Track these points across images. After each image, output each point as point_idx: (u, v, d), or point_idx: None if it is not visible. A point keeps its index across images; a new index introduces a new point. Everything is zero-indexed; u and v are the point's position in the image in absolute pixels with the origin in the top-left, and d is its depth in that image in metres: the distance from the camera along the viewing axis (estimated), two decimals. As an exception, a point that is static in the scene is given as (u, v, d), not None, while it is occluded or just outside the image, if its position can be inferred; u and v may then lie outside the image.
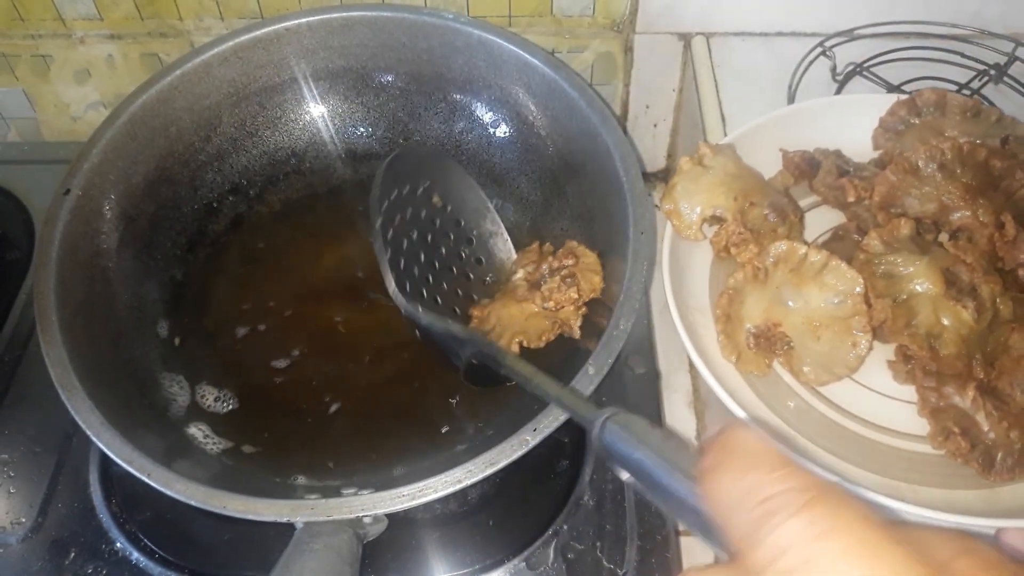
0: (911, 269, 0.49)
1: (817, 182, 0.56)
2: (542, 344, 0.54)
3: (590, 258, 0.56)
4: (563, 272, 0.55)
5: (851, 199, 0.54)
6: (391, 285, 0.52)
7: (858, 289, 0.48)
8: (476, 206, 0.61)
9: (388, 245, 0.54)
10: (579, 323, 0.55)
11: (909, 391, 0.49)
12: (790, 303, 0.50)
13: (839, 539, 0.18)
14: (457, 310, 0.57)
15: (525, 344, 0.54)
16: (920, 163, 0.53)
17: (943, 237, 0.53)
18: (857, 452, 0.47)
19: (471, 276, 0.59)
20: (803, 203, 0.58)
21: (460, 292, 0.58)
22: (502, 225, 0.61)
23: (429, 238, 0.58)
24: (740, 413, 0.45)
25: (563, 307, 0.54)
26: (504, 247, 0.61)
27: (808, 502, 0.19)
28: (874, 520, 0.19)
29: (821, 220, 0.58)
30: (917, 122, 0.58)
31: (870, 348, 0.48)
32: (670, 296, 0.50)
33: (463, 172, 0.62)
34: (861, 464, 0.46)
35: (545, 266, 0.56)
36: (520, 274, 0.57)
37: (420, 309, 0.52)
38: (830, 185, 0.56)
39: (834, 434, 0.48)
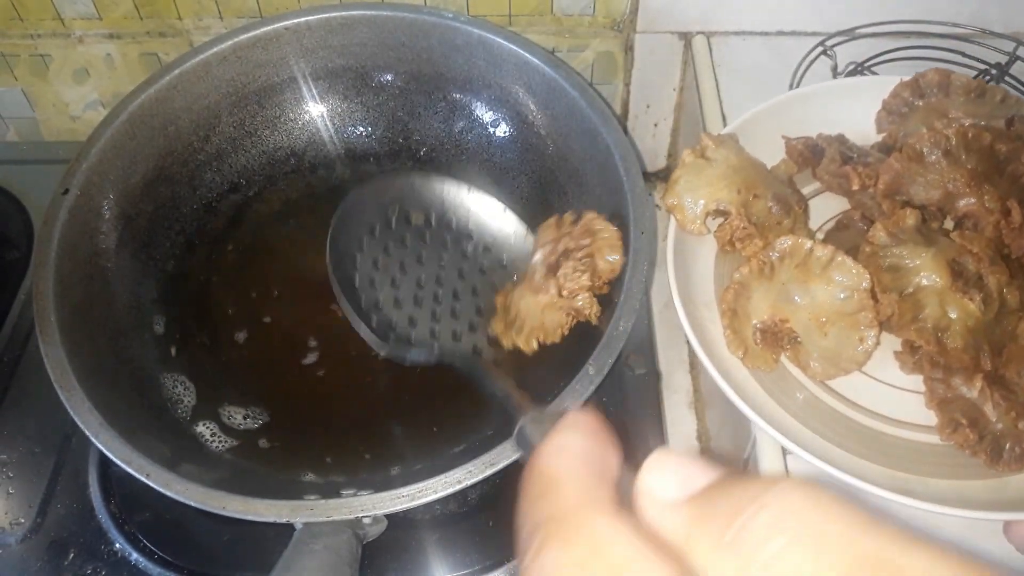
0: (917, 262, 0.49)
1: (821, 170, 0.56)
2: (558, 339, 0.53)
3: (609, 233, 0.53)
4: (579, 254, 0.52)
5: (855, 187, 0.54)
6: (373, 344, 0.52)
7: (864, 284, 0.48)
8: (458, 199, 0.59)
9: (371, 305, 0.53)
10: (596, 310, 0.52)
11: (916, 381, 0.49)
12: (796, 298, 0.49)
13: None
14: (482, 306, 0.56)
15: (542, 340, 0.53)
16: (924, 150, 0.52)
17: (948, 224, 0.53)
18: (865, 445, 0.46)
19: (484, 268, 0.58)
20: (807, 190, 0.58)
21: (478, 289, 0.57)
22: (496, 200, 0.59)
23: (423, 256, 0.57)
24: (746, 410, 0.45)
25: (578, 294, 0.52)
26: (508, 220, 0.59)
27: (542, 542, 0.19)
28: (608, 552, 0.18)
29: (825, 207, 0.58)
30: (921, 104, 0.57)
31: (877, 343, 0.48)
32: (675, 291, 0.50)
33: (424, 175, 0.60)
34: (868, 456, 0.46)
35: (562, 245, 0.54)
36: (539, 255, 0.55)
37: (408, 349, 0.52)
38: (834, 173, 0.55)
39: (842, 427, 0.48)
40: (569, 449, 0.21)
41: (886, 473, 0.45)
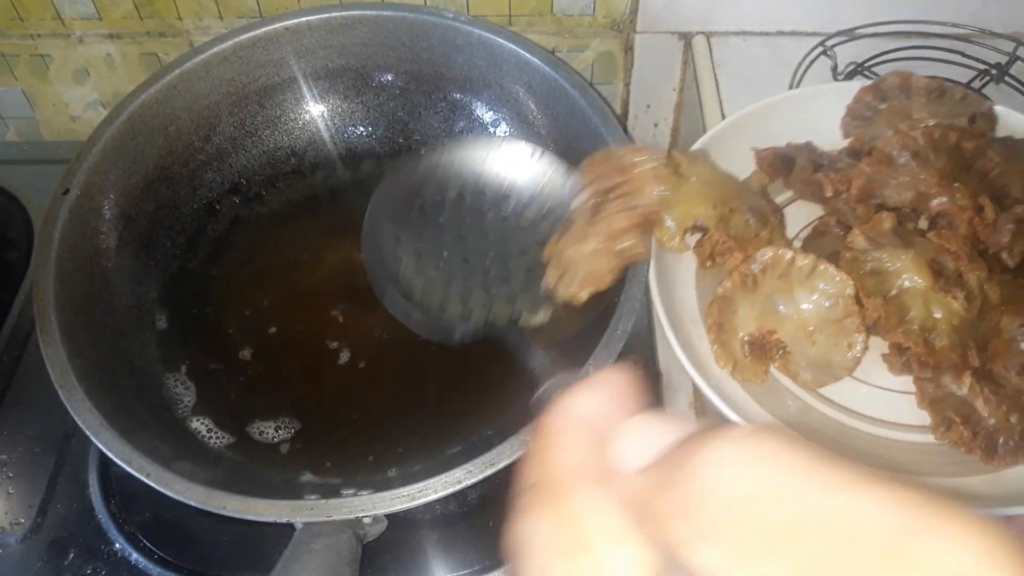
0: (898, 264, 0.49)
1: (792, 178, 0.56)
2: (608, 284, 0.49)
3: (650, 163, 0.48)
4: (618, 192, 0.49)
5: (829, 194, 0.54)
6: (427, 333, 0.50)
7: (848, 291, 0.48)
8: (484, 164, 0.55)
9: (421, 293, 0.51)
10: (645, 249, 0.49)
11: (906, 382, 0.49)
12: (782, 309, 0.50)
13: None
14: (533, 264, 0.52)
15: (593, 288, 0.49)
16: (894, 153, 0.53)
17: (923, 224, 0.53)
18: (861, 449, 0.47)
19: (528, 225, 0.54)
20: (780, 199, 0.58)
21: (526, 248, 0.53)
22: (527, 144, 0.55)
23: (463, 230, 0.54)
24: (742, 424, 0.45)
25: (623, 236, 0.49)
26: (543, 164, 0.54)
27: (527, 505, 0.19)
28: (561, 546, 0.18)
29: (799, 214, 0.58)
30: (884, 107, 0.58)
31: (865, 348, 0.48)
32: (660, 311, 0.50)
33: (440, 154, 0.56)
34: (865, 460, 0.46)
35: (602, 185, 0.50)
36: (580, 199, 0.51)
37: (459, 329, 0.50)
38: (806, 181, 0.55)
39: (837, 433, 0.48)
40: (572, 412, 0.21)
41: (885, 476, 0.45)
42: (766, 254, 0.50)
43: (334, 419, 0.56)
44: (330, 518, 0.42)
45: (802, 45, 0.66)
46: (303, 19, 0.63)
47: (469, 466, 0.43)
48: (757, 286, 0.50)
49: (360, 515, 0.42)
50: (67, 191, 0.54)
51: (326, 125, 0.68)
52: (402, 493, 0.42)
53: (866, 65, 0.66)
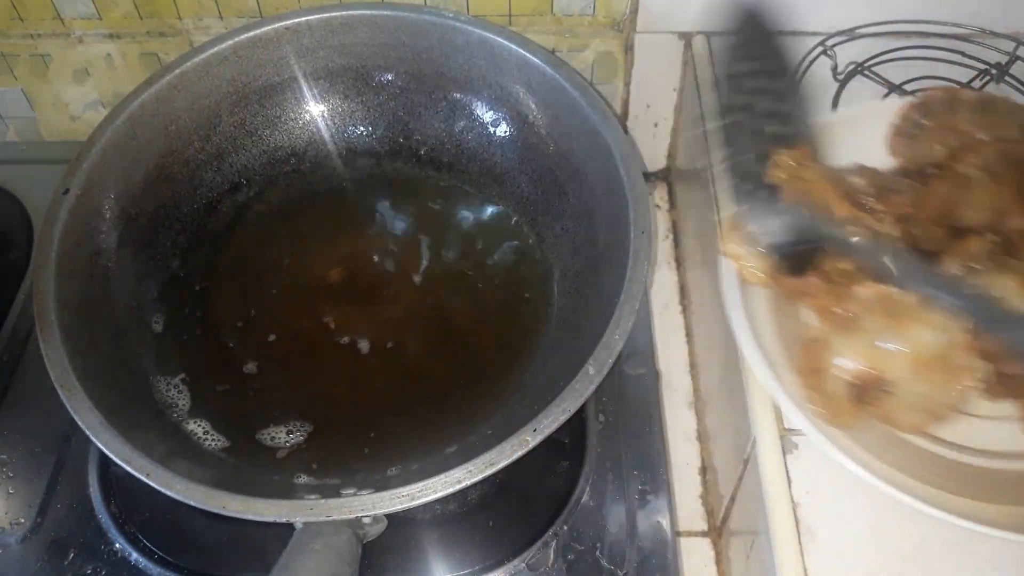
0: (1003, 293, 0.47)
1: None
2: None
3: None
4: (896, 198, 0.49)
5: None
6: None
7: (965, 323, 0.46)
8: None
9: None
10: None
11: (1004, 408, 0.48)
12: (891, 347, 0.47)
13: None
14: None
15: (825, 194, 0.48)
16: (968, 172, 0.52)
17: (991, 237, 0.51)
18: (973, 485, 0.45)
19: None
20: None
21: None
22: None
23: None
24: (854, 468, 0.44)
25: (878, 215, 0.49)
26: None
27: None
28: None
29: None
30: (930, 123, 0.57)
31: (981, 379, 0.45)
32: (753, 350, 0.47)
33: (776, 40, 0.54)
34: (979, 496, 0.44)
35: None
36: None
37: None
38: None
39: (944, 469, 0.46)
40: None
41: (1008, 511, 0.43)
42: (867, 294, 0.47)
43: (334, 420, 0.57)
44: (330, 518, 0.42)
45: (802, 45, 0.66)
46: (303, 19, 0.63)
47: (469, 466, 0.43)
48: (857, 325, 0.47)
49: (360, 515, 0.42)
50: (67, 191, 0.54)
51: (326, 125, 0.68)
52: (402, 493, 0.42)
53: (866, 65, 0.66)
